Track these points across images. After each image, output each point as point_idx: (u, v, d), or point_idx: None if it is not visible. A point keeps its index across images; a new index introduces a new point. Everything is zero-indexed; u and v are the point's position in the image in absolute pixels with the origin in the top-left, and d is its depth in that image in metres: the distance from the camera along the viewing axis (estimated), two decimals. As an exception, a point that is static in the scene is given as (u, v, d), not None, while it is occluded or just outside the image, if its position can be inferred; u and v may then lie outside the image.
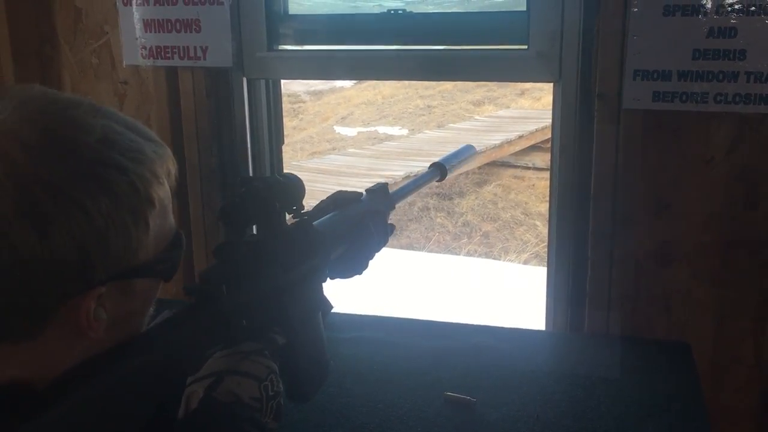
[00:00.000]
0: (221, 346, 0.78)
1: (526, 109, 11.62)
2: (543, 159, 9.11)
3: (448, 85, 12.40)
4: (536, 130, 9.69)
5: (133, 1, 1.73)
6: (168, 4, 1.70)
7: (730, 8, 1.31)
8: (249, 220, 0.81)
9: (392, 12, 1.66)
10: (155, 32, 1.73)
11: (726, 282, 1.46)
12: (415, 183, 1.28)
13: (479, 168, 9.26)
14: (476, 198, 8.97)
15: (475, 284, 5.05)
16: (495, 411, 1.19)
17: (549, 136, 1.69)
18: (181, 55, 1.72)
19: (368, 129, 11.96)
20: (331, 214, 1.01)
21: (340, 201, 1.05)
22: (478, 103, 12.37)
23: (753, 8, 1.30)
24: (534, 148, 9.68)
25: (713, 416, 1.23)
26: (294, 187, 0.87)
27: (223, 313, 0.75)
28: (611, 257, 1.49)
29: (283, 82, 1.87)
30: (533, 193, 9.02)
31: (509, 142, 9.51)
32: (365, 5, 1.82)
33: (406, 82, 11.51)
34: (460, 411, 1.19)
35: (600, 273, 1.51)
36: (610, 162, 1.45)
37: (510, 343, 1.44)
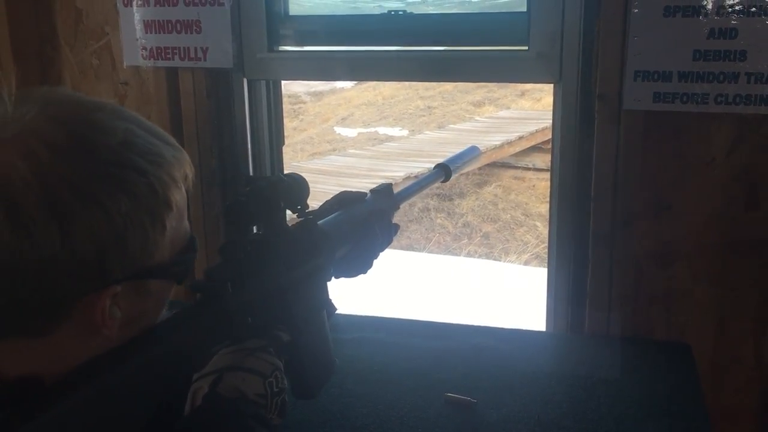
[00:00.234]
0: (226, 343, 0.78)
1: (527, 110, 11.63)
2: (543, 160, 9.11)
3: (448, 86, 12.41)
4: (536, 131, 9.70)
5: (134, 2, 1.73)
6: (168, 5, 1.70)
7: (730, 9, 1.31)
8: (254, 218, 0.82)
9: (392, 13, 1.66)
10: (156, 33, 1.73)
11: (726, 283, 1.46)
12: (420, 184, 1.29)
13: (479, 169, 9.26)
14: (476, 199, 8.97)
15: (475, 285, 5.05)
16: (495, 412, 1.19)
17: (549, 136, 1.69)
18: (182, 56, 1.72)
19: (368, 130, 11.97)
20: (335, 214, 1.01)
21: (345, 201, 1.05)
22: (479, 104, 12.39)
23: (753, 9, 1.30)
24: (534, 148, 9.69)
25: (713, 417, 1.23)
26: (298, 186, 0.87)
27: (229, 311, 0.76)
28: (612, 258, 1.50)
29: (283, 82, 1.87)
30: (533, 194, 9.03)
31: (509, 143, 9.52)
32: (365, 6, 1.82)
33: (407, 83, 11.53)
34: (460, 412, 1.19)
35: (600, 274, 1.51)
36: (610, 163, 1.45)
37: (510, 344, 1.44)
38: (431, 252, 7.41)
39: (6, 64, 1.84)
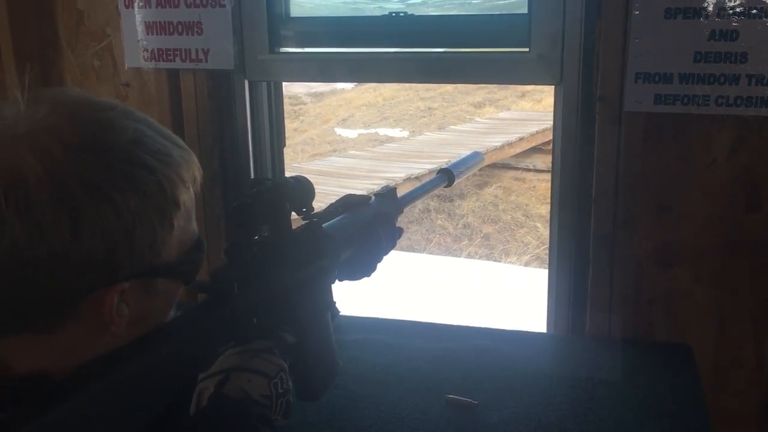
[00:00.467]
0: (232, 343, 0.79)
1: (527, 111, 11.63)
2: (543, 161, 9.12)
3: (448, 87, 12.42)
4: (537, 132, 9.71)
5: (135, 4, 1.73)
6: (170, 7, 1.70)
7: (731, 11, 1.32)
8: (259, 220, 0.82)
9: (393, 14, 1.66)
10: (157, 35, 1.73)
11: (727, 284, 1.46)
12: (423, 188, 1.30)
13: (480, 170, 9.25)
14: (477, 200, 8.97)
15: (475, 286, 5.05)
16: (496, 413, 1.19)
17: (549, 137, 1.70)
18: (183, 57, 1.72)
19: (369, 131, 11.97)
20: (340, 217, 1.02)
21: (349, 204, 1.06)
22: (479, 105, 12.39)
23: (754, 11, 1.30)
24: (535, 150, 9.69)
25: (714, 418, 1.23)
26: (304, 188, 0.88)
27: (234, 312, 0.77)
28: (612, 259, 1.50)
29: (283, 84, 1.87)
30: (534, 195, 9.03)
31: (510, 144, 9.52)
32: (366, 8, 1.82)
33: (407, 84, 11.53)
34: (461, 413, 1.20)
35: (601, 275, 1.51)
36: (611, 164, 1.45)
37: (511, 346, 1.44)
38: (432, 253, 7.41)
39: (8, 66, 1.84)
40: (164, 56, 1.74)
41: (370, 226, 1.05)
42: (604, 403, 1.22)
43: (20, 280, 0.60)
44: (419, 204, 8.45)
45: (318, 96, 13.71)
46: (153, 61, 1.75)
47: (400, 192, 1.20)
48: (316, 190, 0.91)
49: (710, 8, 1.32)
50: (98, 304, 0.63)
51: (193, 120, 1.76)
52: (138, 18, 1.74)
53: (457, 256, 7.36)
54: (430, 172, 7.70)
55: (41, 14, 1.86)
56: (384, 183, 7.02)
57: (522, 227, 8.30)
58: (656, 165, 1.44)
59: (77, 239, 0.60)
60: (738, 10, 1.31)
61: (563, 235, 1.57)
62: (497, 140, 9.53)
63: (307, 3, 1.87)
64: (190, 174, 0.70)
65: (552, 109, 1.60)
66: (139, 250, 0.64)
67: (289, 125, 11.74)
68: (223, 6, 1.66)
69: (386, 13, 1.67)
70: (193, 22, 1.69)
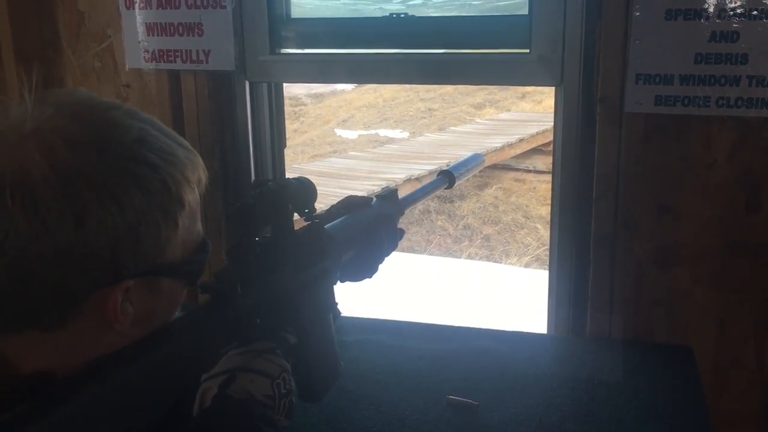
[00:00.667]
0: (235, 344, 0.79)
1: (527, 112, 11.63)
2: (544, 162, 9.12)
3: (449, 88, 12.43)
4: (537, 133, 9.71)
5: (136, 5, 1.73)
6: (170, 8, 1.70)
7: (732, 12, 1.32)
8: (261, 221, 0.83)
9: (394, 16, 1.66)
10: (158, 36, 1.73)
11: (728, 285, 1.46)
12: (424, 190, 1.30)
13: (480, 171, 9.24)
14: (477, 201, 8.97)
15: (476, 287, 5.05)
16: (497, 414, 1.19)
17: (550, 138, 1.70)
18: (184, 58, 1.72)
19: (369, 132, 11.97)
20: (342, 218, 1.02)
21: (351, 205, 1.06)
22: (479, 106, 12.39)
23: (755, 12, 1.31)
24: (535, 151, 9.69)
25: (715, 419, 1.23)
26: (306, 190, 0.88)
27: (237, 312, 0.77)
28: (613, 260, 1.50)
29: (284, 84, 1.87)
30: (534, 196, 9.03)
31: (510, 145, 9.52)
32: (367, 9, 1.83)
33: (407, 86, 11.54)
34: (462, 414, 1.20)
35: (602, 276, 1.51)
36: (611, 165, 1.46)
37: (512, 347, 1.44)
38: (432, 254, 7.41)
39: (9, 67, 1.84)
40: (165, 57, 1.74)
41: (371, 228, 1.05)
42: (605, 404, 1.22)
43: (25, 276, 0.60)
44: (419, 205, 8.46)
45: (318, 97, 13.72)
46: (154, 62, 1.76)
47: (401, 193, 1.20)
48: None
49: (711, 9, 1.33)
50: (103, 302, 0.64)
51: (193, 121, 1.76)
52: (139, 19, 1.74)
53: (457, 257, 7.36)
54: (431, 173, 7.71)
55: (42, 15, 1.86)
56: (384, 184, 7.02)
57: (522, 228, 8.30)
58: (657, 166, 1.44)
59: (81, 236, 0.60)
60: (738, 11, 1.31)
61: (564, 236, 1.58)
62: (497, 141, 9.53)
63: (307, 4, 1.87)
64: (195, 175, 0.71)
65: (552, 110, 1.60)
66: (143, 248, 0.65)
67: (290, 126, 11.74)
68: (224, 7, 1.67)
69: (387, 14, 1.67)
70: (194, 23, 1.69)
